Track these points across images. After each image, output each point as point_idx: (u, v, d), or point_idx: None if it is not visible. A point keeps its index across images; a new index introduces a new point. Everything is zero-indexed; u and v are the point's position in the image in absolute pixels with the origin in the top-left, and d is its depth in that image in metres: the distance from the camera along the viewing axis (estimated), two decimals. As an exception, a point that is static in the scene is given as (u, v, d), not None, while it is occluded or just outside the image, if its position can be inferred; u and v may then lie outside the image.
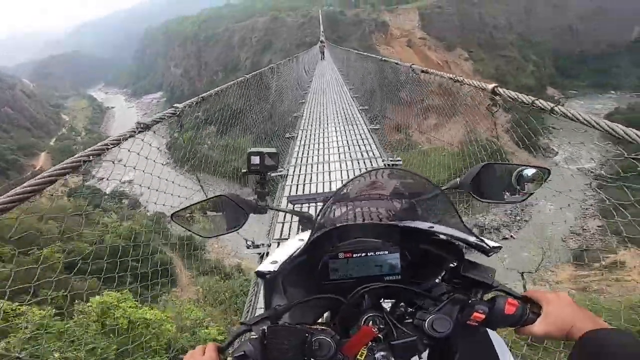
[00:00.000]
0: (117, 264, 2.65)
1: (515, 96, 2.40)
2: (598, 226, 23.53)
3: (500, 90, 2.50)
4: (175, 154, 33.34)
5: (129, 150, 2.28)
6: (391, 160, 6.75)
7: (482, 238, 0.80)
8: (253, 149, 1.03)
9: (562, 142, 30.44)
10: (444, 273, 0.82)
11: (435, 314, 0.69)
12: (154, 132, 2.47)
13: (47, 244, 12.74)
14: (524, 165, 0.87)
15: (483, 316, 0.68)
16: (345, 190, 0.97)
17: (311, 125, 8.92)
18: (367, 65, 10.80)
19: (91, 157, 1.71)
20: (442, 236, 0.82)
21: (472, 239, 0.78)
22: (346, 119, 9.16)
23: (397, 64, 7.04)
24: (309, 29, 42.77)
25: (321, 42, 29.38)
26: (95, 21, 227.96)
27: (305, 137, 8.21)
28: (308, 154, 7.11)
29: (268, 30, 47.54)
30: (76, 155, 1.66)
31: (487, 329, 0.74)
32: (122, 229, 17.51)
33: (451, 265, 0.81)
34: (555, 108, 2.06)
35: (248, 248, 3.78)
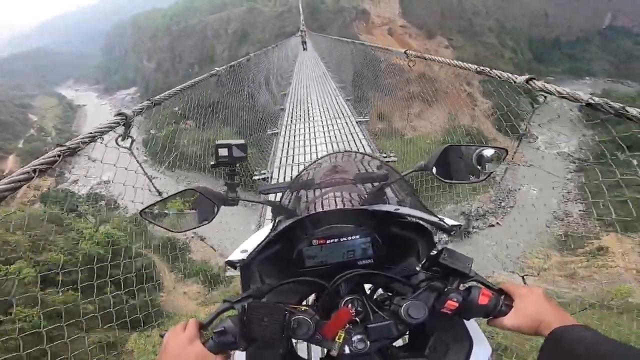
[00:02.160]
0: (94, 274, 2.46)
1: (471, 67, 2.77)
2: (580, 210, 23.87)
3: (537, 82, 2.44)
4: (153, 151, 31.95)
5: (105, 145, 2.08)
6: (384, 157, 6.78)
7: (442, 218, 0.84)
8: (220, 141, 1.01)
9: (543, 127, 31.06)
10: (424, 261, 0.82)
11: (411, 300, 0.71)
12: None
13: (16, 257, 11.73)
14: (484, 146, 0.89)
15: (457, 304, 0.70)
16: (306, 177, 1.04)
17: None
18: (356, 56, 9.87)
19: (51, 162, 1.49)
20: (408, 218, 0.85)
21: (433, 218, 0.82)
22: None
23: (389, 50, 6.74)
24: (288, 19, 41.54)
25: (301, 31, 27.13)
26: (61, 16, 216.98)
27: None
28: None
29: (244, 21, 45.96)
30: (37, 160, 1.46)
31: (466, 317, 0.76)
32: (100, 235, 16.56)
33: (432, 253, 0.82)
34: (532, 82, 2.13)
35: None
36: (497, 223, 23.93)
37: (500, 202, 25.61)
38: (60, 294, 9.40)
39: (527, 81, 2.20)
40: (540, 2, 53.07)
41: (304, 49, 25.17)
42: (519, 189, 26.16)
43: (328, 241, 0.83)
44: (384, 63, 7.62)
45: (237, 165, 1.04)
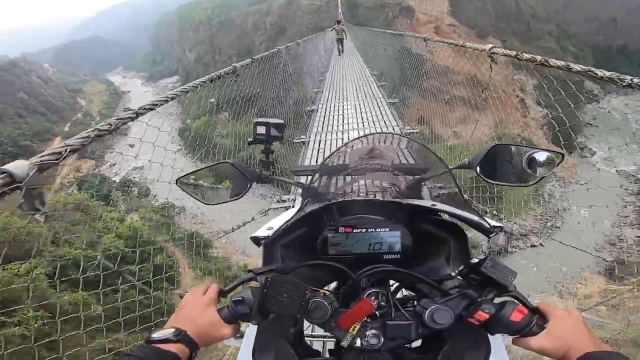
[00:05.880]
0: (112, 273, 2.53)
1: (510, 53, 2.59)
2: (637, 236, 21.53)
3: (497, 49, 2.88)
4: (187, 141, 32.59)
5: (140, 139, 2.26)
6: (407, 130, 6.60)
7: (485, 217, 0.79)
8: (259, 119, 1.03)
9: (601, 141, 28.14)
10: (462, 267, 0.76)
11: (438, 305, 0.68)
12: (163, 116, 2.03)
13: (35, 251, 11.62)
14: (537, 148, 0.84)
15: (487, 316, 0.67)
16: (340, 159, 1.00)
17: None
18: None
19: (95, 136, 1.55)
20: (444, 215, 0.82)
21: (474, 217, 0.78)
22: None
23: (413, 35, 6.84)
24: (325, 12, 40.19)
25: (338, 22, 18.10)
26: (118, 6, 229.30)
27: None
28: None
29: (282, 15, 45.33)
30: (80, 134, 1.52)
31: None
32: (123, 228, 16.50)
33: (473, 260, 0.74)
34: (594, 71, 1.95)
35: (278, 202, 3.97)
36: (540, 244, 22.03)
37: (546, 222, 23.52)
38: (64, 293, 9.07)
39: (586, 71, 1.94)
40: (609, 9, 48.42)
41: (339, 52, 17.49)
42: (569, 209, 23.92)
43: (355, 230, 0.80)
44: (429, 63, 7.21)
45: (273, 143, 1.06)
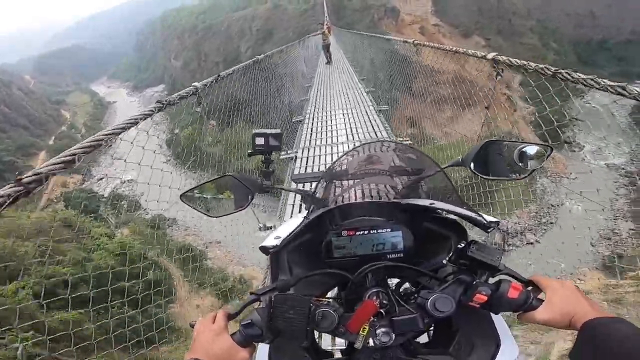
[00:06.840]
0: (104, 291, 2.33)
1: (517, 63, 2.46)
2: (630, 229, 21.51)
3: (501, 57, 2.68)
4: (176, 151, 32.02)
5: (132, 144, 2.25)
6: (400, 141, 6.67)
7: (480, 213, 0.80)
8: (257, 130, 1.04)
9: (588, 135, 28.43)
10: (451, 254, 0.80)
11: (438, 293, 0.69)
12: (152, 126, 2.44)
13: (23, 269, 11.17)
14: (527, 143, 0.86)
15: (485, 298, 0.68)
16: (340, 166, 1.02)
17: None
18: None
19: (82, 155, 1.53)
20: (442, 212, 0.83)
21: (470, 214, 0.79)
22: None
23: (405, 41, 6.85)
24: (312, 17, 39.81)
25: (322, 25, 17.27)
26: (101, 14, 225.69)
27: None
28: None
29: (268, 20, 44.97)
30: (64, 153, 1.48)
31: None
32: (114, 244, 15.97)
33: (459, 246, 0.79)
34: (561, 72, 1.97)
35: (260, 230, 3.95)
36: (536, 241, 22.06)
37: (541, 219, 23.61)
38: (55, 313, 8.71)
39: (555, 74, 2.02)
40: (587, 3, 49.23)
41: (327, 62, 15.68)
42: (562, 204, 24.08)
43: (357, 232, 0.82)
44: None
45: (273, 153, 1.08)
